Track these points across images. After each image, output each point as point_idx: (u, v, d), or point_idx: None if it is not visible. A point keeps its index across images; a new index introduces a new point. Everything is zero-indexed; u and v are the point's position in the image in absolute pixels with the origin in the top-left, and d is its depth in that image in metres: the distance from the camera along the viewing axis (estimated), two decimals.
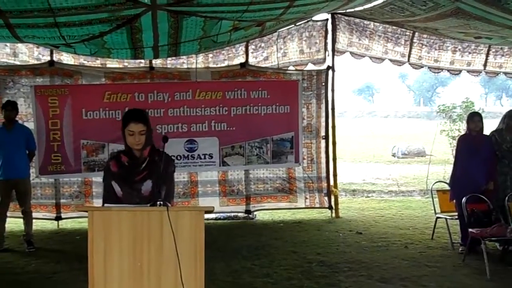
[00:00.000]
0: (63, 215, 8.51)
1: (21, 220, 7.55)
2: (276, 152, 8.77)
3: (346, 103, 65.05)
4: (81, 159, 8.27)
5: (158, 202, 3.38)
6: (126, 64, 8.76)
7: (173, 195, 3.78)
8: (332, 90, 9.02)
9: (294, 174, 9.03)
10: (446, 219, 7.05)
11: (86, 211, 3.34)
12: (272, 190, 9.01)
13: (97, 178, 8.47)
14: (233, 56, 9.19)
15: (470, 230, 6.09)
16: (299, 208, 9.16)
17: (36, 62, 8.56)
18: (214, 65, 9.16)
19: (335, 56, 9.14)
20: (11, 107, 7.32)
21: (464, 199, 6.33)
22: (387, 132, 36.20)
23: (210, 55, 9.15)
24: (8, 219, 7.50)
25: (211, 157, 8.56)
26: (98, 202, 8.42)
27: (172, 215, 3.22)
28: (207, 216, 4.57)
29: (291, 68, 9.35)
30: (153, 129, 3.77)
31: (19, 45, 8.44)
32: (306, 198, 9.10)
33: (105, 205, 3.54)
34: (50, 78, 8.34)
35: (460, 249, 6.67)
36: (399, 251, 6.78)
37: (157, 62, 8.80)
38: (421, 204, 10.53)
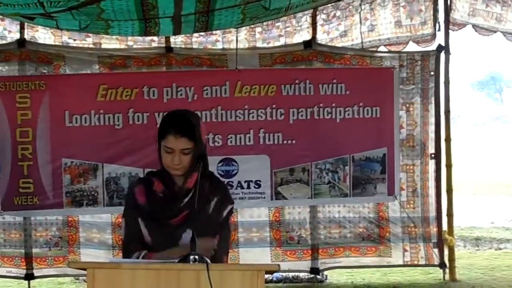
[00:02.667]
0: (36, 272, 8.47)
1: None
2: (359, 178, 8.67)
3: (462, 103, 64.62)
4: (63, 188, 8.24)
5: (192, 257, 3.38)
6: (130, 43, 8.78)
7: (227, 249, 3.83)
8: (446, 84, 8.88)
9: (387, 214, 8.92)
10: None
11: (83, 269, 3.41)
12: (353, 238, 8.92)
13: (85, 216, 8.52)
14: (292, 31, 9.15)
15: None
16: (394, 265, 9.04)
17: None
18: (264, 45, 9.16)
19: (450, 32, 9.01)
20: None
21: None
22: None
23: (258, 30, 9.13)
24: None
25: (259, 185, 8.49)
26: (87, 253, 8.52)
27: (215, 276, 3.27)
28: None
29: (382, 49, 9.29)
30: None
31: None
32: (405, 250, 8.95)
33: (111, 259, 3.69)
34: (19, 65, 8.32)
35: None
36: None
37: (177, 41, 8.78)
38: None
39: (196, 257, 3.37)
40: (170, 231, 3.68)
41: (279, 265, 3.53)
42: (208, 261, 3.40)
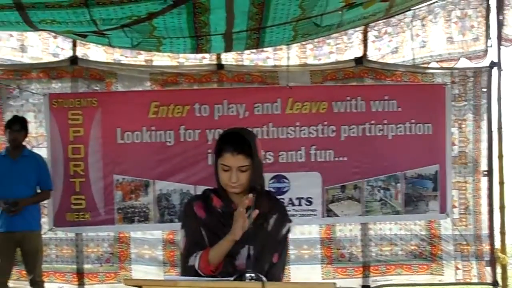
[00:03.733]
0: None
1: None
2: (411, 196, 8.65)
3: None
4: (114, 204, 8.38)
5: (248, 275, 3.35)
6: (182, 61, 8.83)
7: (284, 267, 3.77)
8: (498, 100, 8.70)
9: (439, 231, 8.85)
10: None
11: (138, 286, 3.32)
12: (404, 256, 8.87)
13: (137, 233, 8.64)
14: (344, 48, 9.12)
15: None
16: (446, 284, 8.93)
17: (52, 59, 8.71)
18: (315, 62, 9.12)
19: (502, 47, 8.82)
20: (20, 126, 7.53)
21: None
22: None
23: (309, 46, 9.11)
24: None
25: (310, 202, 8.51)
26: (138, 269, 8.62)
27: None
28: None
29: (433, 65, 9.17)
30: None
31: (29, 34, 8.61)
32: (457, 268, 8.88)
33: (166, 277, 3.57)
34: (71, 82, 8.47)
35: None
36: None
37: (228, 58, 8.83)
38: None
39: (252, 275, 3.34)
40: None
41: (335, 283, 3.42)
42: (264, 279, 3.35)
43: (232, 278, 3.39)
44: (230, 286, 3.33)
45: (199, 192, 7.83)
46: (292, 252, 8.70)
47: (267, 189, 3.86)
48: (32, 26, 5.66)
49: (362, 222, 8.79)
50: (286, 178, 8.49)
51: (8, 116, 8.31)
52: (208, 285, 3.34)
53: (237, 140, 3.61)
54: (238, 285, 3.32)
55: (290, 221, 3.78)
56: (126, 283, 3.41)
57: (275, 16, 5.86)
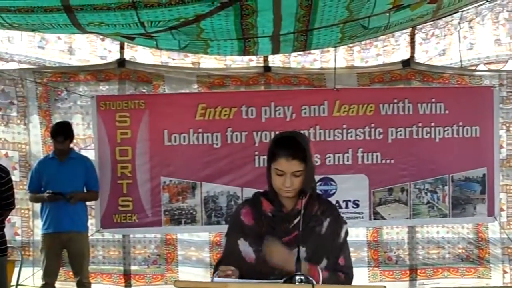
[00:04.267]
0: None
1: None
2: (459, 199, 8.60)
3: None
4: (161, 206, 8.40)
5: (298, 277, 3.30)
6: (229, 63, 8.88)
7: (352, 269, 3.71)
8: None
9: (487, 234, 8.84)
10: None
11: None
12: (452, 259, 8.86)
13: (184, 234, 8.70)
14: (391, 50, 9.13)
15: None
16: (494, 287, 8.90)
17: (99, 61, 8.80)
18: (362, 64, 9.15)
19: None
20: (63, 138, 7.58)
21: None
22: None
23: (356, 49, 9.12)
24: None
25: (357, 205, 8.50)
26: (185, 271, 8.68)
27: None
28: None
29: (481, 67, 9.17)
30: None
31: (77, 37, 8.67)
32: (505, 272, 8.87)
33: (216, 279, 3.49)
34: (119, 85, 8.57)
35: None
36: None
37: (275, 60, 8.87)
38: None
39: (302, 277, 3.30)
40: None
41: (385, 286, 3.48)
42: (314, 281, 3.32)
43: (281, 281, 3.36)
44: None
45: (246, 194, 7.92)
46: None
47: (318, 192, 3.84)
48: (81, 28, 5.72)
49: (409, 225, 8.78)
50: (333, 181, 8.48)
51: (56, 118, 8.45)
52: (258, 287, 3.33)
53: (292, 145, 3.55)
54: (288, 287, 3.30)
55: (345, 222, 3.73)
56: (177, 285, 3.38)
57: (322, 18, 5.85)
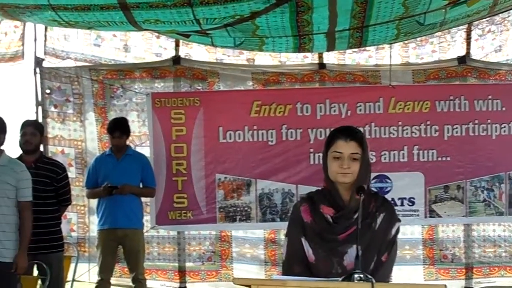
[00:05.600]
0: (189, 286, 8.73)
1: None
2: None
3: None
4: (216, 203, 8.50)
5: (357, 275, 3.33)
6: (284, 60, 8.92)
7: (392, 267, 3.76)
8: None
9: None
10: None
11: (247, 286, 3.36)
12: (508, 257, 8.80)
13: (238, 231, 8.78)
14: (446, 47, 9.06)
15: None
16: None
17: (155, 59, 8.91)
18: (417, 61, 9.11)
19: None
20: (120, 133, 7.72)
21: None
22: None
23: (412, 45, 9.08)
24: None
25: (412, 202, 8.50)
26: (239, 268, 8.77)
27: None
28: None
29: None
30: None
31: (133, 34, 8.79)
32: None
33: (274, 276, 3.62)
34: (174, 82, 8.68)
35: None
36: None
37: (330, 57, 8.90)
38: None
39: (361, 275, 3.32)
40: (336, 247, 3.61)
41: (445, 285, 3.41)
42: (373, 280, 3.31)
43: (340, 279, 3.38)
44: (339, 287, 3.31)
45: (301, 192, 7.96)
46: None
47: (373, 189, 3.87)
48: (137, 26, 5.83)
49: (465, 223, 8.74)
50: (389, 178, 8.50)
51: (112, 115, 8.57)
52: (317, 285, 3.33)
53: (349, 129, 3.69)
54: (347, 285, 3.31)
55: (399, 220, 3.75)
56: (236, 282, 3.43)
57: (378, 14, 5.88)
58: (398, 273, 8.50)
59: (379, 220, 3.62)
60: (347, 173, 3.57)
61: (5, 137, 6.34)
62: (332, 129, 3.80)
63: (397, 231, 3.72)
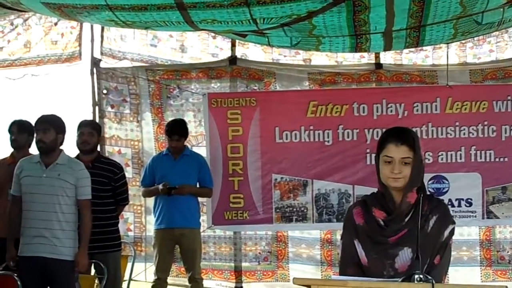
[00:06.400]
0: (245, 286, 8.80)
1: None
2: None
3: None
4: (272, 203, 8.54)
5: (417, 276, 3.30)
6: (340, 60, 8.96)
7: (447, 270, 3.71)
8: None
9: None
10: None
11: (307, 286, 3.36)
12: None
13: (295, 232, 8.82)
14: (504, 46, 9.03)
15: None
16: None
17: (211, 59, 8.99)
18: (475, 61, 9.08)
19: None
20: (179, 136, 7.76)
21: None
22: None
23: (469, 45, 9.07)
24: None
25: (470, 203, 8.46)
26: (295, 268, 8.81)
27: None
28: None
29: None
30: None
31: (189, 35, 8.88)
32: None
33: (334, 277, 3.56)
34: (230, 82, 8.75)
35: None
36: None
37: (386, 57, 8.91)
38: None
39: (421, 276, 3.27)
40: (387, 249, 3.59)
41: (506, 286, 3.44)
42: (433, 281, 3.26)
43: (400, 279, 3.36)
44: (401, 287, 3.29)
45: (357, 192, 7.96)
46: (453, 252, 8.68)
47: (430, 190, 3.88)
48: (193, 26, 5.88)
49: None
50: (446, 179, 8.47)
51: (168, 115, 8.69)
52: (378, 285, 3.35)
53: (400, 132, 3.62)
54: (408, 286, 3.29)
55: (453, 222, 3.68)
56: (296, 282, 3.41)
57: (435, 14, 5.88)
58: (455, 275, 8.57)
59: (431, 222, 3.58)
60: (398, 178, 3.56)
61: (65, 137, 6.40)
62: (384, 130, 3.80)
63: (451, 233, 3.66)
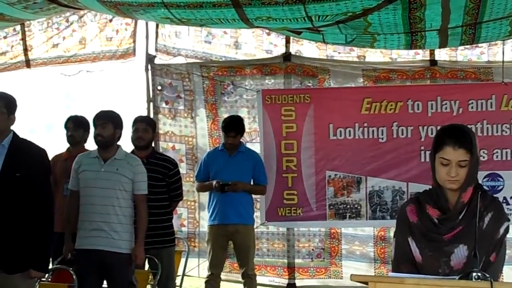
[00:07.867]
0: (297, 282, 8.89)
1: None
2: None
3: None
4: (326, 200, 8.58)
5: (475, 274, 3.30)
6: (394, 56, 8.99)
7: (501, 268, 3.72)
8: None
9: None
10: None
11: (364, 283, 3.40)
12: None
13: (348, 229, 8.90)
14: None
15: None
16: None
17: (265, 56, 9.10)
18: None
19: None
20: (235, 133, 7.80)
21: None
22: None
23: None
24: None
25: None
26: (348, 265, 8.88)
27: None
28: None
29: None
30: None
31: (243, 31, 9.01)
32: None
33: (391, 274, 3.58)
34: (284, 79, 8.85)
35: None
36: None
37: (441, 54, 8.92)
38: None
39: (479, 274, 3.26)
40: (442, 247, 3.60)
41: None
42: (491, 279, 3.24)
43: (457, 277, 3.37)
44: (457, 285, 3.28)
45: (411, 190, 7.96)
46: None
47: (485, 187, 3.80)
48: (248, 23, 5.97)
49: None
50: (501, 177, 8.43)
51: (222, 112, 8.83)
52: (435, 283, 3.33)
53: (459, 134, 3.58)
54: (466, 284, 3.27)
55: (508, 219, 3.66)
56: (353, 279, 3.44)
57: (491, 11, 5.88)
58: (510, 273, 8.53)
59: (487, 219, 3.57)
60: (455, 181, 3.57)
61: (122, 133, 6.53)
62: (439, 128, 3.80)
63: (506, 230, 3.64)
